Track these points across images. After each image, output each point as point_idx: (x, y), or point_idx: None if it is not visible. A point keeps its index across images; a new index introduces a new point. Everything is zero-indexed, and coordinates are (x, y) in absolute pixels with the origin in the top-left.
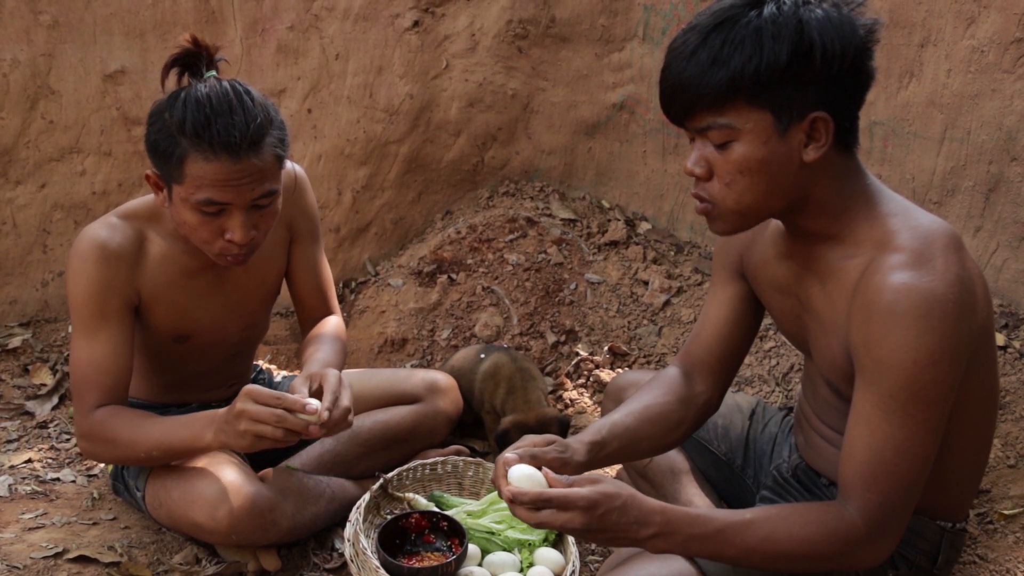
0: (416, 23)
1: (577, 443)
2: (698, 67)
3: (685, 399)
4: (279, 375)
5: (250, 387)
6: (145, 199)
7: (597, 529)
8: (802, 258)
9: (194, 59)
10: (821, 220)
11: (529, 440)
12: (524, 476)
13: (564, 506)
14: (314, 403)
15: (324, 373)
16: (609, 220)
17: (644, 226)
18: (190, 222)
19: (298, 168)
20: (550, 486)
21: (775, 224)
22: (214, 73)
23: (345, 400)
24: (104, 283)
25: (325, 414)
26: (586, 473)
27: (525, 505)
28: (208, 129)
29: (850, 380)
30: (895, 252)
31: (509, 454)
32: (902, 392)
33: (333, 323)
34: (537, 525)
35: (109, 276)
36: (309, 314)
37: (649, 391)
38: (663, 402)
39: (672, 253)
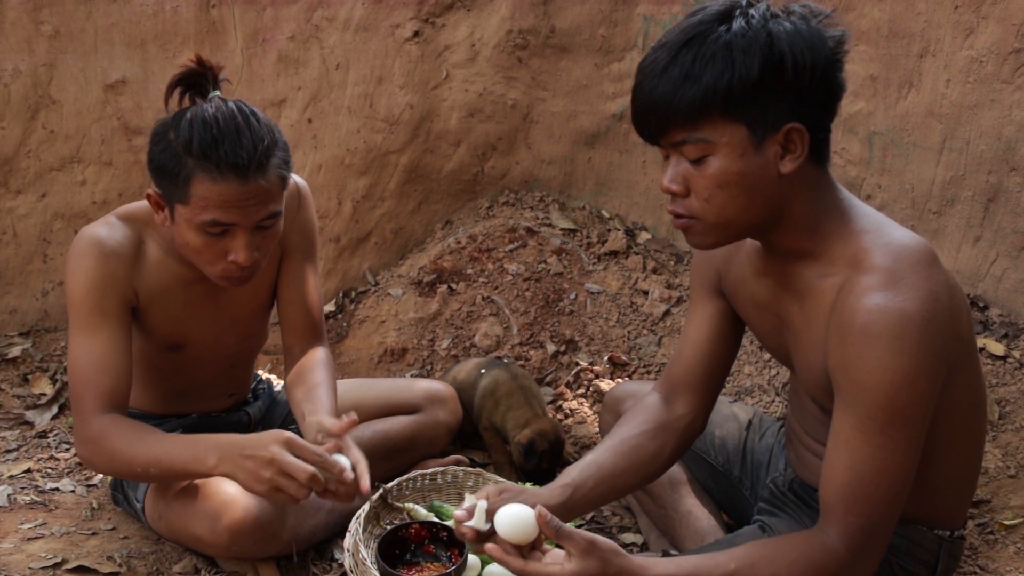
0: (416, 33)
1: (549, 489)
2: (670, 84)
3: (664, 425)
4: (279, 384)
5: (289, 436)
6: (142, 203)
7: None
8: (779, 276)
9: (199, 79)
10: (796, 237)
11: (485, 493)
12: (512, 517)
13: None
14: (349, 471)
15: (349, 443)
16: (609, 230)
17: (644, 236)
18: (193, 243)
19: (301, 181)
20: (540, 528)
21: (751, 241)
22: (218, 93)
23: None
24: (103, 280)
25: (350, 475)
26: (583, 534)
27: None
28: (216, 150)
29: (832, 396)
30: (868, 273)
31: (459, 512)
32: (881, 413)
33: (323, 359)
34: None
35: (108, 273)
36: (294, 337)
37: (626, 423)
38: (638, 433)
39: (672, 263)
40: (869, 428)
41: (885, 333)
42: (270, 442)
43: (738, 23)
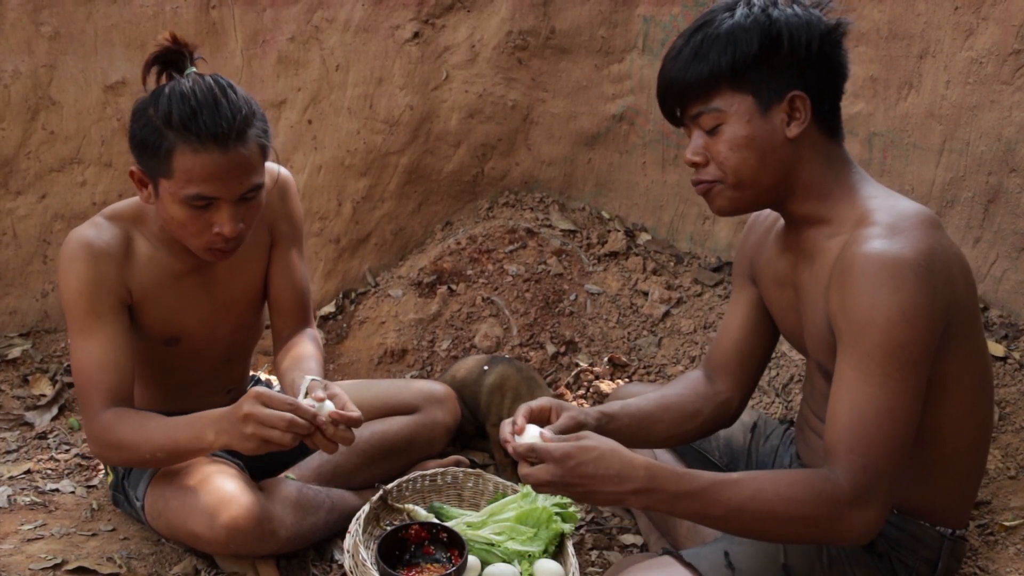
0: (416, 34)
1: (586, 411)
2: (683, 63)
3: (704, 395)
4: (279, 386)
5: (258, 390)
6: (129, 201)
7: (573, 482)
8: (796, 247)
9: (175, 56)
10: (809, 204)
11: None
12: (527, 432)
13: (541, 458)
14: (323, 415)
15: (334, 385)
16: (609, 231)
17: (644, 237)
18: (178, 217)
19: (283, 171)
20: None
21: (781, 224)
22: (194, 70)
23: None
24: (95, 281)
25: (356, 411)
26: (580, 432)
27: (520, 458)
28: (195, 120)
29: (835, 355)
30: (871, 226)
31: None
32: (879, 351)
33: (312, 339)
34: (524, 480)
35: (99, 273)
36: (284, 321)
37: (668, 388)
38: (680, 393)
39: (672, 264)
40: (867, 366)
41: (882, 273)
42: (244, 401)
43: (741, 10)
